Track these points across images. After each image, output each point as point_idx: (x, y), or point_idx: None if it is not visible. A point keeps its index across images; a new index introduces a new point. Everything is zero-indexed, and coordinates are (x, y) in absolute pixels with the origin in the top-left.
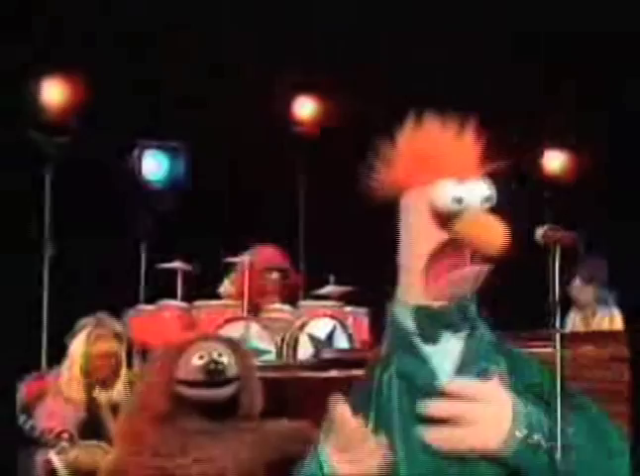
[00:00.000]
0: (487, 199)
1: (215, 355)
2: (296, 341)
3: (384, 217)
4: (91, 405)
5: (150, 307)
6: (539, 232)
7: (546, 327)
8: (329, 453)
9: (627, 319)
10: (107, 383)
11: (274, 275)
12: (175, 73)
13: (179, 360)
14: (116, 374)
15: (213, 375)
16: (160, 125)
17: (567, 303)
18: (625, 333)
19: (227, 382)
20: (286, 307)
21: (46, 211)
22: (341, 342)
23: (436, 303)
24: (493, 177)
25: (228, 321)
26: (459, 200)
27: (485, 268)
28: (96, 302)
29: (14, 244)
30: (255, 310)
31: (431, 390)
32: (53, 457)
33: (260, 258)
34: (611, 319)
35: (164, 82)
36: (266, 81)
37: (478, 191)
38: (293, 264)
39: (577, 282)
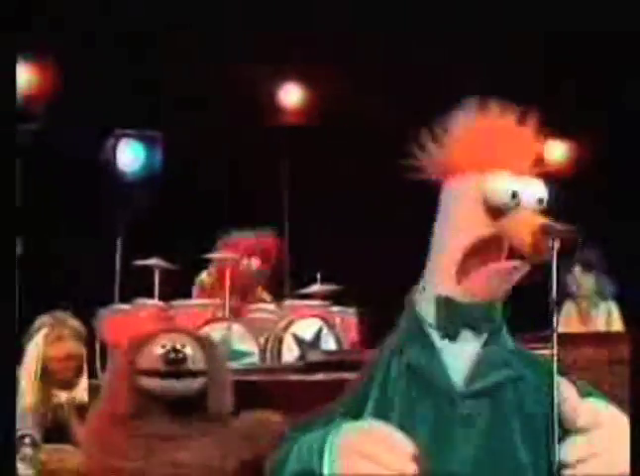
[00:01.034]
0: (541, 201)
1: (178, 345)
2: (280, 343)
3: (375, 214)
4: (55, 407)
5: (125, 307)
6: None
7: (544, 327)
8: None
9: (632, 322)
10: (69, 384)
11: (254, 264)
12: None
13: (143, 350)
14: (78, 375)
15: (174, 364)
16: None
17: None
18: (627, 335)
19: (190, 374)
20: (270, 307)
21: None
22: (328, 344)
23: (462, 298)
24: (546, 178)
25: (208, 322)
26: (514, 195)
27: (524, 265)
28: (69, 301)
29: None
30: (237, 310)
31: (443, 388)
32: (18, 465)
33: (238, 248)
34: (609, 315)
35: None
36: (254, 71)
37: (534, 190)
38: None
39: (576, 269)
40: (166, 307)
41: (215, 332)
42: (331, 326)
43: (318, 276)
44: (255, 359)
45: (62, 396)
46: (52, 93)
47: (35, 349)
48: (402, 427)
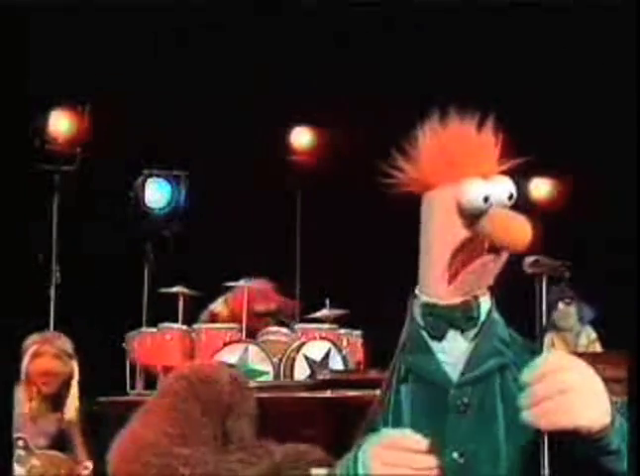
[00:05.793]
0: (511, 196)
1: None
2: (293, 362)
3: (378, 242)
4: (59, 420)
5: (152, 330)
6: (527, 261)
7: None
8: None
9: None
10: (57, 399)
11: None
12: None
13: None
14: (65, 393)
15: None
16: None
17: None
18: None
19: None
20: (283, 330)
21: (53, 239)
22: (336, 364)
23: (442, 301)
24: (511, 173)
25: (227, 344)
26: (486, 199)
27: (501, 257)
28: (100, 325)
29: (21, 270)
30: (253, 333)
31: (439, 382)
32: (14, 465)
33: (248, 299)
34: (588, 338)
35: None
36: (264, 112)
37: (503, 188)
38: (286, 293)
39: (560, 306)
40: (189, 331)
41: (233, 353)
42: (338, 348)
43: (327, 301)
44: (270, 377)
45: (67, 412)
46: (87, 137)
47: (23, 365)
48: (411, 423)
